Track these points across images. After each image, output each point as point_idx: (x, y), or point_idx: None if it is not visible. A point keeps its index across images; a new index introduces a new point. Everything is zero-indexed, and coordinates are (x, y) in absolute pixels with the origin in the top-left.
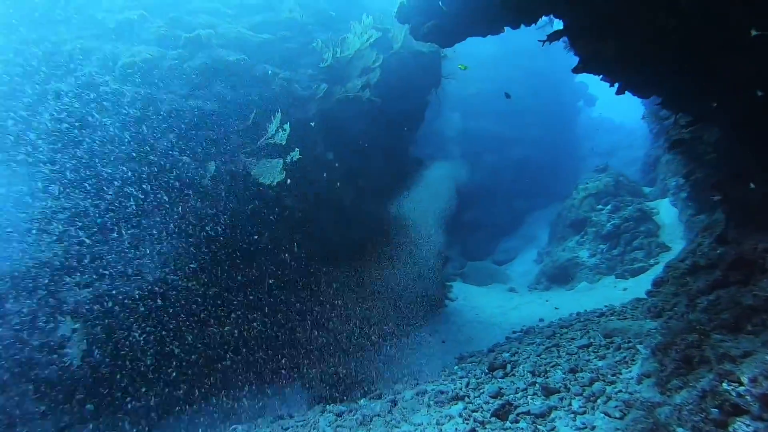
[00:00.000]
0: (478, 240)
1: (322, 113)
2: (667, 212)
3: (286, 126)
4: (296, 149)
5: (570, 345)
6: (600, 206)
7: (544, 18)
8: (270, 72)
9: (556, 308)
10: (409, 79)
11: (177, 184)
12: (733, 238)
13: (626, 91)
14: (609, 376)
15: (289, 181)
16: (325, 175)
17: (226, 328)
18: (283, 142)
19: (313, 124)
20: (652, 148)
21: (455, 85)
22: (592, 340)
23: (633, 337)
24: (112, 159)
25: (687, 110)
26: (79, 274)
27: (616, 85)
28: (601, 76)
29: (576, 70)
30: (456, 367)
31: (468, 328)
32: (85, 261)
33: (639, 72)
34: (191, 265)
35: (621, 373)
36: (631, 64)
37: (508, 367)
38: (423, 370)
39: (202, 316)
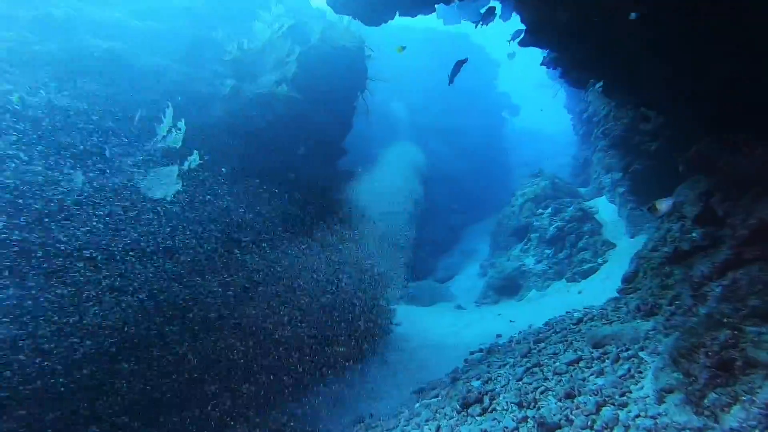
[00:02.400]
0: (418, 259)
1: (229, 114)
2: (605, 210)
3: (181, 124)
4: (195, 152)
5: (554, 362)
6: (540, 210)
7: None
8: (160, 65)
9: (511, 321)
10: (331, 79)
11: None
12: (728, 212)
13: (566, 76)
14: (617, 396)
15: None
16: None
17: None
18: (178, 145)
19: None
20: (580, 150)
21: (379, 97)
22: (580, 353)
23: (630, 344)
24: None
25: (630, 96)
26: None
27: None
28: (547, 51)
29: (523, 43)
30: (417, 405)
31: (420, 353)
32: None
33: (588, 48)
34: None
35: (631, 392)
36: (582, 36)
37: (485, 399)
38: (377, 411)
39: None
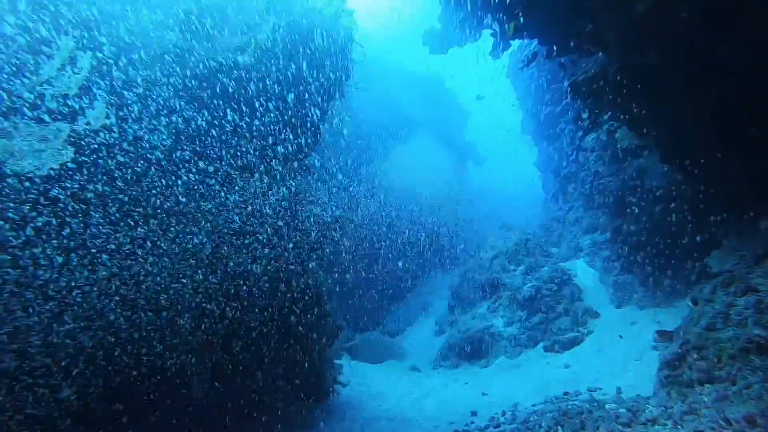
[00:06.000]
0: (364, 307)
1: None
2: (584, 274)
3: (84, 62)
4: (103, 106)
5: None
6: (512, 267)
7: None
8: None
9: (484, 394)
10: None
11: None
12: None
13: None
14: None
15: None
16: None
17: None
18: (73, 92)
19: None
20: (549, 208)
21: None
22: None
23: None
24: None
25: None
26: None
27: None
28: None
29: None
30: None
31: (374, 428)
32: None
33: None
34: None
35: None
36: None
37: None
38: None
39: None
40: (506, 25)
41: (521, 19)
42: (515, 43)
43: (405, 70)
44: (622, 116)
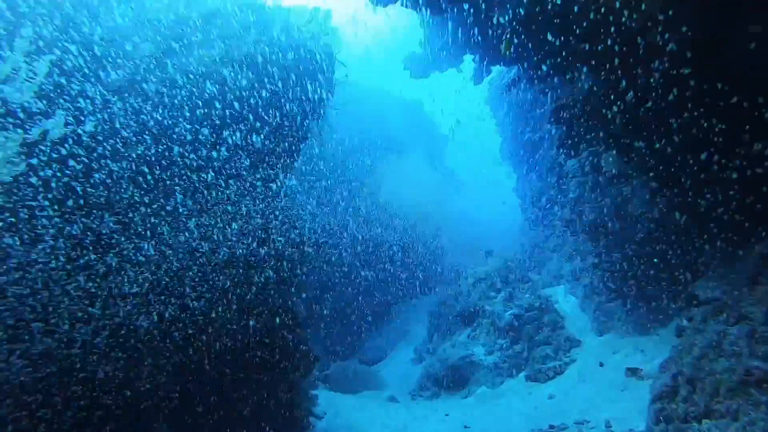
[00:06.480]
0: (340, 335)
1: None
2: (565, 301)
3: (42, 64)
4: (59, 112)
5: None
6: (493, 293)
7: None
8: None
9: (466, 427)
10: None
11: None
12: None
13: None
14: None
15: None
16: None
17: None
18: (30, 96)
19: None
20: (528, 235)
21: None
22: None
23: None
24: None
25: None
26: None
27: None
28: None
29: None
30: None
31: None
32: None
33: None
34: None
35: None
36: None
37: None
38: None
39: None
40: (502, 44)
41: (514, 38)
42: (496, 69)
43: (385, 93)
44: (605, 142)
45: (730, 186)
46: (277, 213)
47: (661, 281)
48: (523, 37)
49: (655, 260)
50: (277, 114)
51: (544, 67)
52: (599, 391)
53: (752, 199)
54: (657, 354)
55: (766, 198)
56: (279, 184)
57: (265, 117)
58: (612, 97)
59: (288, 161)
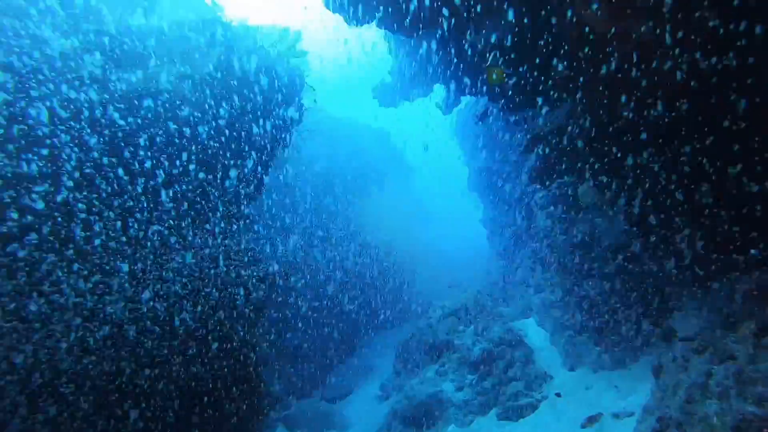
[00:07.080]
0: (302, 372)
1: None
2: (535, 334)
3: None
4: None
5: None
6: (462, 327)
7: None
8: None
9: None
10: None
11: None
12: None
13: None
14: None
15: None
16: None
17: None
18: None
19: None
20: (497, 266)
21: None
22: None
23: None
24: None
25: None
26: None
27: None
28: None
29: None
30: None
31: None
32: None
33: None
34: None
35: None
36: None
37: None
38: None
39: None
40: (493, 73)
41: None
42: (464, 99)
43: (353, 121)
44: (580, 173)
45: (707, 221)
46: (232, 246)
47: (633, 316)
48: (501, 65)
49: (628, 293)
50: (241, 135)
51: (517, 98)
52: (574, 431)
53: (728, 232)
54: (631, 390)
55: (743, 232)
56: (237, 215)
57: (224, 142)
58: (589, 127)
59: (251, 191)
